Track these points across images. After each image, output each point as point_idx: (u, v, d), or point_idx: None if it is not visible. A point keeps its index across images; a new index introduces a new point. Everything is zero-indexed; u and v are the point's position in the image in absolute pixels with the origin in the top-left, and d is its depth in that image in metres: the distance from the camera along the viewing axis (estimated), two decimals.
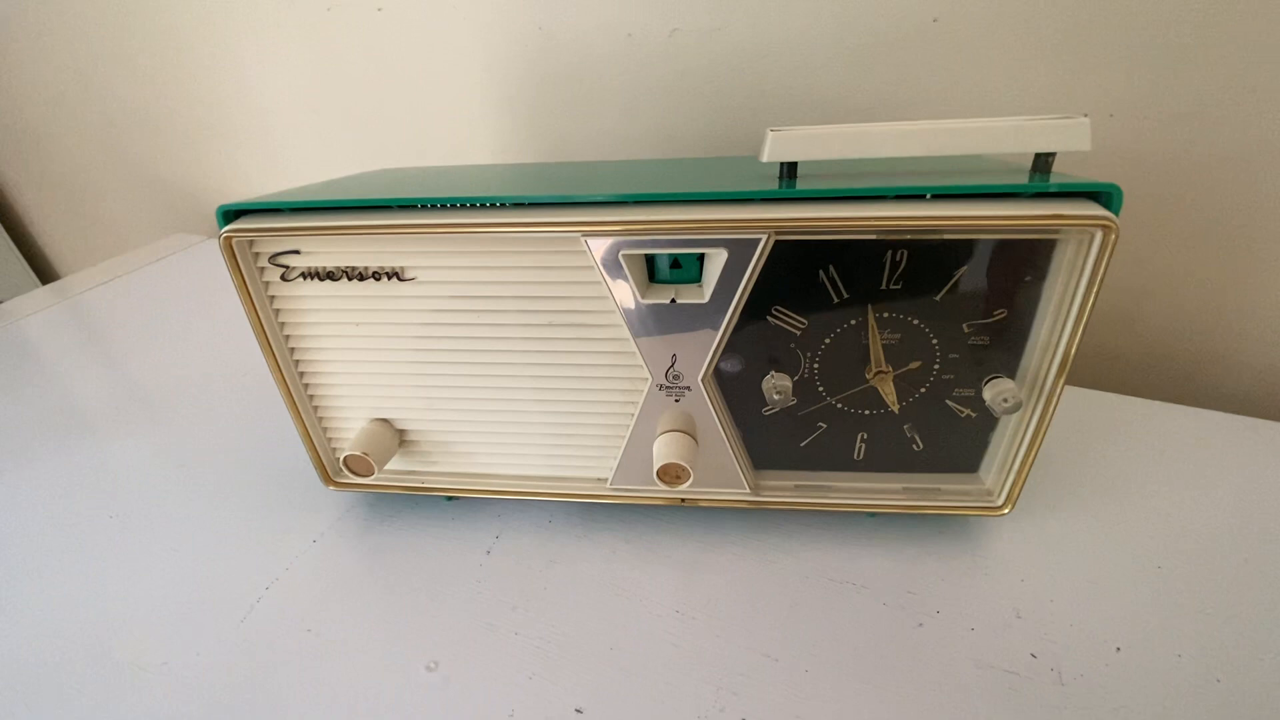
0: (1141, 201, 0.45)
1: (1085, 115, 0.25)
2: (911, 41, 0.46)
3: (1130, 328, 0.50)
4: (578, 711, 0.28)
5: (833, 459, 0.34)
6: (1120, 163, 0.44)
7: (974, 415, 0.32)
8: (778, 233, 0.26)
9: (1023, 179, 0.26)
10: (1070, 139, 0.25)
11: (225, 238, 0.29)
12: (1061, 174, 0.27)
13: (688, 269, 0.29)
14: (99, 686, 0.30)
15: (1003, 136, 0.25)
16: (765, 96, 0.51)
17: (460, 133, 0.66)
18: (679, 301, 0.29)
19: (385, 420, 0.35)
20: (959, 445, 0.33)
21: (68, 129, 0.95)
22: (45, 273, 1.20)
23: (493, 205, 0.28)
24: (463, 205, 0.29)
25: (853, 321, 0.29)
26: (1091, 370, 0.52)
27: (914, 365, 0.30)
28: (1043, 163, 0.27)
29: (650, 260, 0.29)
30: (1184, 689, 0.28)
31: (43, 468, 0.45)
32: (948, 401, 0.31)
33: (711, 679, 0.29)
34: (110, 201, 1.02)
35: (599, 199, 0.27)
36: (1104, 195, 0.25)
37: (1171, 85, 0.41)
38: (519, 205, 0.28)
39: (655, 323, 0.29)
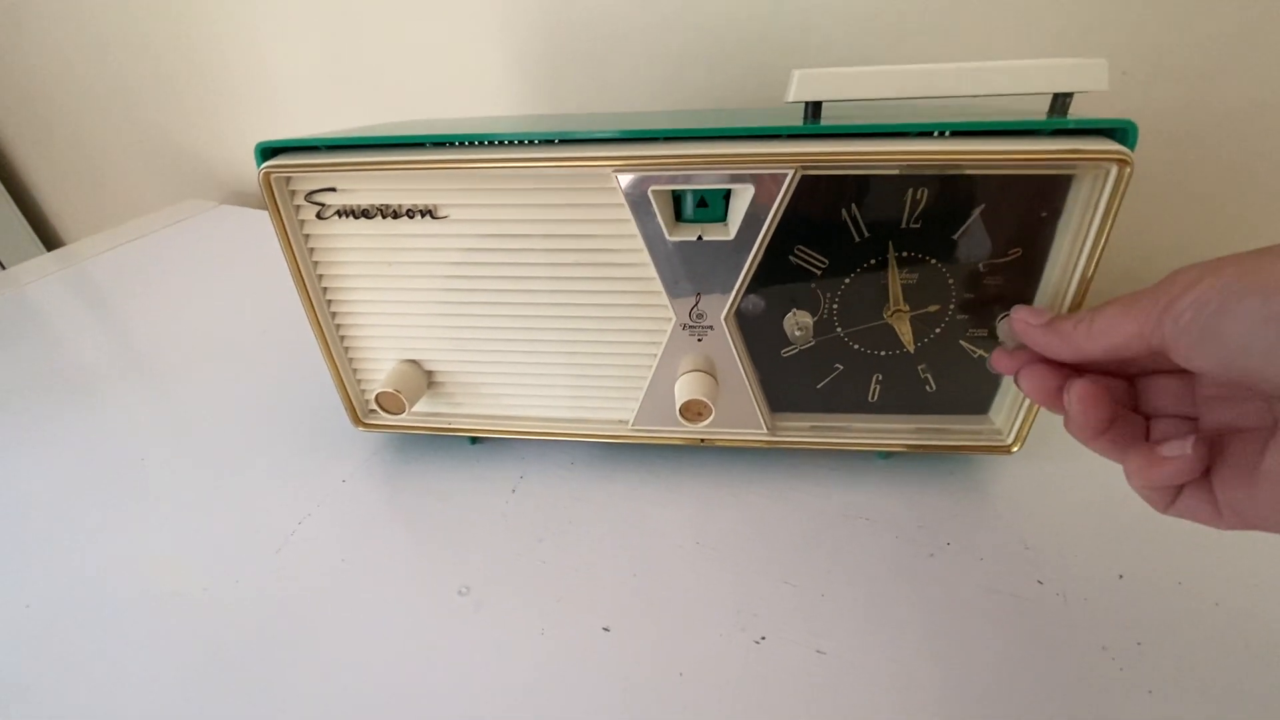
0: (1149, 164, 0.46)
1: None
2: None
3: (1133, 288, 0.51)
4: (605, 630, 0.29)
5: (848, 401, 0.35)
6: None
7: (986, 356, 0.33)
8: (804, 167, 0.27)
9: (1041, 119, 0.27)
10: (1089, 79, 0.26)
11: (264, 173, 0.30)
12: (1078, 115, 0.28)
13: (713, 208, 0.30)
14: (143, 612, 0.31)
15: (1024, 76, 0.26)
16: (779, 51, 0.51)
17: (474, 93, 0.66)
18: (705, 239, 0.30)
19: (414, 361, 0.36)
20: (971, 386, 0.34)
21: (75, 94, 0.95)
22: (50, 239, 1.20)
23: (526, 142, 0.29)
24: (497, 142, 0.29)
25: (872, 261, 0.30)
26: None
27: (932, 308, 0.31)
28: (1060, 104, 0.28)
29: (677, 200, 0.30)
30: (1184, 612, 0.29)
31: (70, 420, 0.46)
32: (961, 342, 0.32)
33: (732, 601, 0.30)
34: (116, 167, 1.02)
35: (630, 134, 0.28)
36: (1119, 132, 0.26)
37: (1180, 45, 0.42)
38: (551, 142, 0.29)
39: (681, 261, 0.30)
